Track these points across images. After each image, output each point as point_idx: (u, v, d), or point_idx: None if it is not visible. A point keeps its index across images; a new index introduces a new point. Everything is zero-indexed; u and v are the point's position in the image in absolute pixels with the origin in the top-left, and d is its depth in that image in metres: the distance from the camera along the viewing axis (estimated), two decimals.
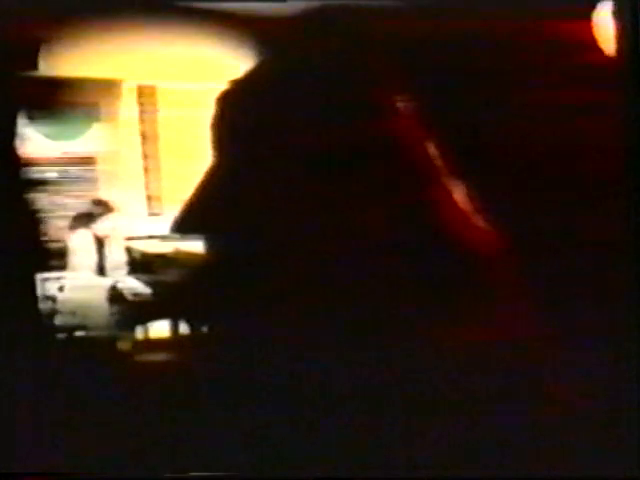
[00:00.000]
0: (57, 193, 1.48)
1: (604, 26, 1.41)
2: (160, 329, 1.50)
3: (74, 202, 1.49)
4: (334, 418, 1.45)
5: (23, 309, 1.47)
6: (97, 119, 1.49)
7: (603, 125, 1.41)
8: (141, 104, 1.48)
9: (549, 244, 1.42)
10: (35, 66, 1.46)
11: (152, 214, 1.49)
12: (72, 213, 1.49)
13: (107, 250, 1.52)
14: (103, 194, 1.49)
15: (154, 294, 1.49)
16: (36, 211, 1.47)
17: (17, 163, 1.47)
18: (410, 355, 1.44)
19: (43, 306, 1.47)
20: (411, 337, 1.43)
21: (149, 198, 1.49)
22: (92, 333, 1.48)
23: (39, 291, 1.47)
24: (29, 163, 1.48)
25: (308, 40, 1.45)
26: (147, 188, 1.48)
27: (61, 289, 1.48)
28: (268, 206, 1.45)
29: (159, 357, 1.49)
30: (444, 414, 1.44)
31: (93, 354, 1.48)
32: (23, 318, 1.47)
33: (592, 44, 1.40)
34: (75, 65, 1.46)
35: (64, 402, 1.47)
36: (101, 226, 1.51)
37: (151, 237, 1.49)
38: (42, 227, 1.47)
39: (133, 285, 1.50)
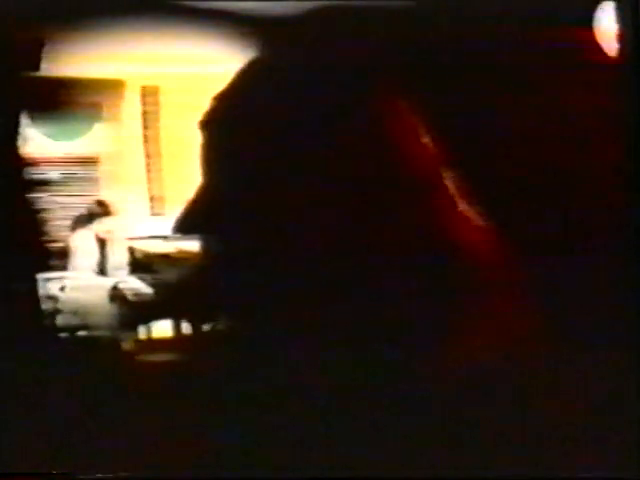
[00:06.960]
0: (59, 193, 1.48)
1: (606, 28, 1.41)
2: (162, 329, 1.50)
3: (76, 202, 1.48)
4: (336, 418, 1.46)
5: (25, 309, 1.47)
6: (100, 119, 1.49)
7: (604, 127, 1.41)
8: (144, 104, 1.49)
9: (550, 246, 1.43)
10: (37, 66, 1.46)
11: (154, 214, 1.49)
12: (74, 213, 1.49)
13: (109, 250, 1.52)
14: (105, 194, 1.49)
15: (156, 294, 1.49)
16: (38, 211, 1.47)
17: (19, 163, 1.47)
18: (409, 356, 1.44)
19: (45, 306, 1.47)
20: (411, 338, 1.44)
21: (151, 198, 1.49)
22: (94, 333, 1.48)
23: (41, 291, 1.47)
24: (31, 163, 1.47)
25: (310, 40, 1.45)
26: (149, 188, 1.48)
27: (63, 289, 1.48)
28: (270, 206, 1.45)
29: (161, 357, 1.49)
30: (443, 414, 1.45)
31: (95, 354, 1.47)
32: (25, 318, 1.47)
33: (594, 46, 1.41)
34: (78, 65, 1.46)
35: (65, 402, 1.47)
36: (103, 226, 1.51)
37: (153, 237, 1.49)
38: (44, 227, 1.47)
39: (135, 285, 1.50)
